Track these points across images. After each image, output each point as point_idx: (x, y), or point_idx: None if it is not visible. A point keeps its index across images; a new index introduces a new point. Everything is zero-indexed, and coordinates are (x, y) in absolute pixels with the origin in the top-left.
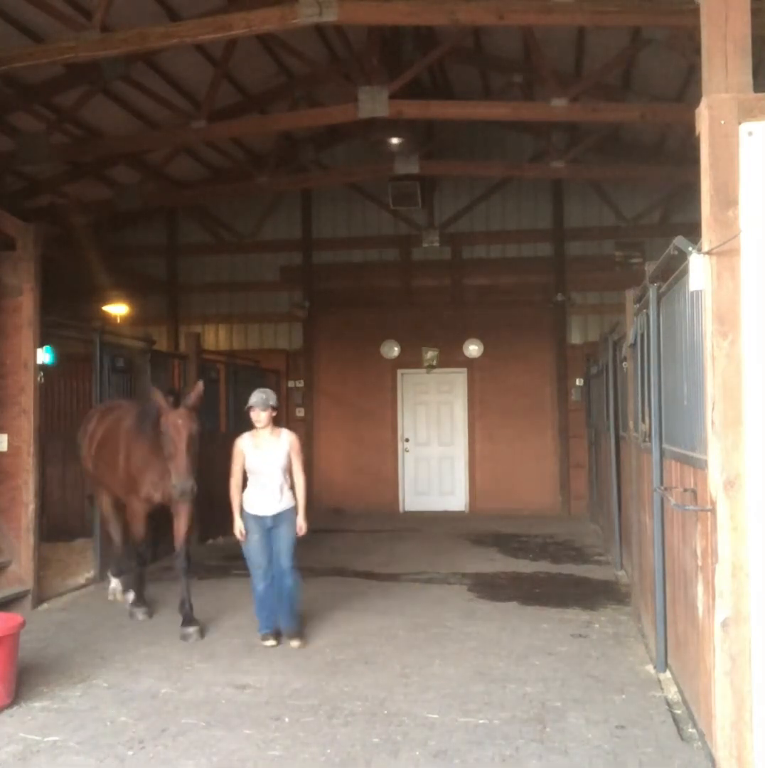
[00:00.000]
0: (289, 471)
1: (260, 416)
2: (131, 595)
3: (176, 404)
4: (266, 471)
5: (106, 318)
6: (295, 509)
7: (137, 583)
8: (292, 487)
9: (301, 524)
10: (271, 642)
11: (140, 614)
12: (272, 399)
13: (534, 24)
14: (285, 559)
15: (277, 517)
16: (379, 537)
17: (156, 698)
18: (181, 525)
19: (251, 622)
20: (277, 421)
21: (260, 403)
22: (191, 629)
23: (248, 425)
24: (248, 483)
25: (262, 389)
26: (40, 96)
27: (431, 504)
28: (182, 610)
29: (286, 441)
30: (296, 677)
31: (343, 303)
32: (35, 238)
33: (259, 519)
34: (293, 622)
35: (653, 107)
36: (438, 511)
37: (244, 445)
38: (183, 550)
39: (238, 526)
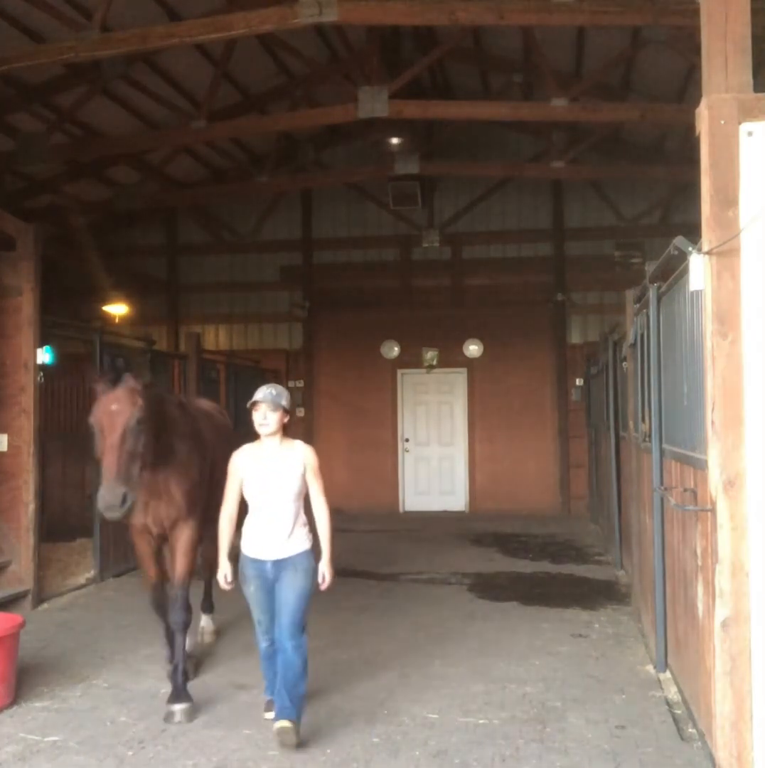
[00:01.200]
0: (304, 499)
1: (268, 417)
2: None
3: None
4: (271, 498)
5: (106, 318)
6: (310, 553)
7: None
8: (309, 524)
9: (324, 572)
10: (273, 715)
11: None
12: (284, 398)
13: (534, 24)
14: (286, 620)
15: (281, 564)
16: (379, 537)
17: (156, 698)
18: (176, 560)
19: (250, 623)
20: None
21: (268, 400)
22: (178, 706)
23: (250, 426)
24: (248, 515)
25: (271, 384)
26: (40, 96)
27: (431, 504)
28: (173, 679)
29: (300, 456)
30: None
31: (343, 303)
32: (35, 238)
33: (258, 565)
34: (290, 708)
35: (653, 107)
36: (438, 511)
37: (242, 460)
38: (179, 597)
39: (223, 569)
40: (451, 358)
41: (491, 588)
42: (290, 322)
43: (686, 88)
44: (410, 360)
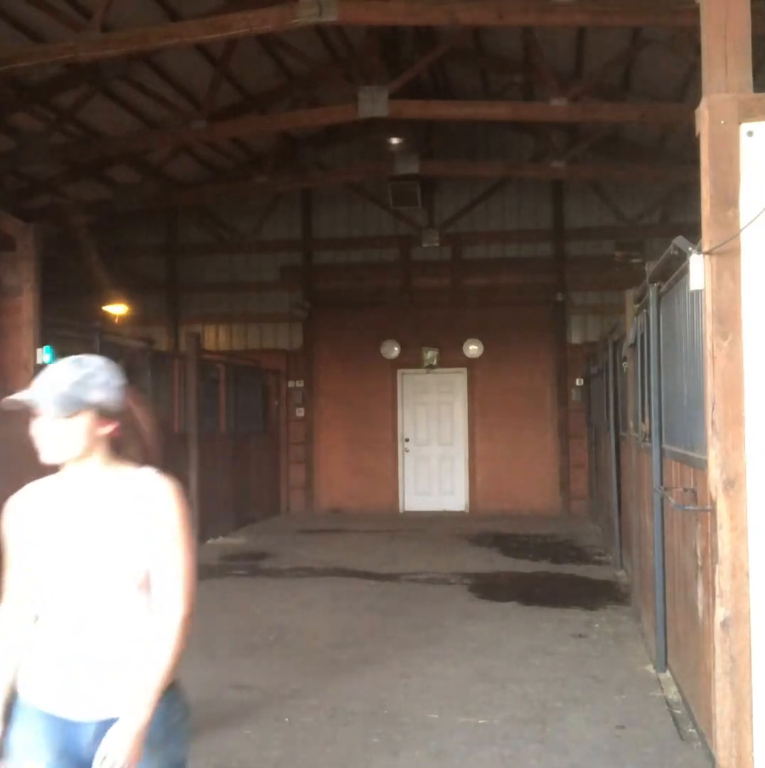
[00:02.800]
0: (145, 588)
1: (47, 432)
2: None
3: None
4: (77, 587)
5: (106, 318)
6: (171, 703)
7: None
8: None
9: (127, 741)
10: None
11: None
12: (89, 387)
13: (534, 24)
14: None
15: (108, 730)
16: (379, 537)
17: None
18: None
19: (250, 623)
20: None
21: (46, 400)
22: None
23: (251, 426)
24: (36, 624)
25: (67, 361)
26: (40, 96)
27: (431, 504)
28: None
29: (141, 501)
30: (296, 677)
31: (343, 303)
32: (35, 238)
33: (59, 728)
34: None
35: (653, 107)
36: (438, 511)
37: (23, 515)
38: None
39: None
40: (451, 358)
41: (491, 588)
42: (290, 322)
43: (686, 88)
44: (410, 360)
